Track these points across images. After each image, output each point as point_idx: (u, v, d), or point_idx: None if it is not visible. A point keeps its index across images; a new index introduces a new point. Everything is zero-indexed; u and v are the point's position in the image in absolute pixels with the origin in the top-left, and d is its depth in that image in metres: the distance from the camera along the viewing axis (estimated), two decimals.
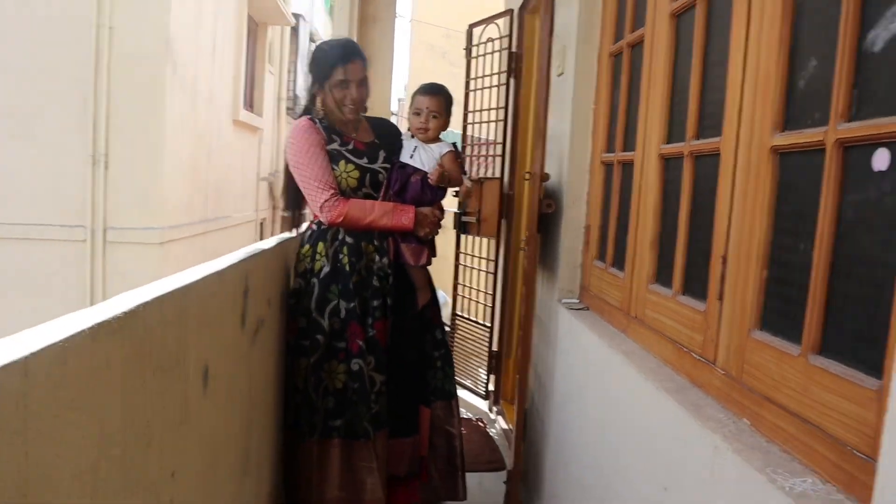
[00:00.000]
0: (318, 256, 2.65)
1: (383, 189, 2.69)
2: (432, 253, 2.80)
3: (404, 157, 2.74)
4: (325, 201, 2.55)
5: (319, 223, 2.68)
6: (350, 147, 2.66)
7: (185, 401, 1.61)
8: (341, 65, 2.59)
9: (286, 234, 2.86)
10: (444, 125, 2.78)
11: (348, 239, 2.64)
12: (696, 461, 1.41)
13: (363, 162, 2.65)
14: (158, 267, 7.58)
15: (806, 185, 1.27)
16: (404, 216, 2.62)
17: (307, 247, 2.69)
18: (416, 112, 2.79)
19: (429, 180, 2.68)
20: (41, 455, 0.96)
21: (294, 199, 2.80)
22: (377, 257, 2.67)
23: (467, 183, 2.92)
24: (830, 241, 1.18)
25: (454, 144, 2.83)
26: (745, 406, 1.40)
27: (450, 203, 4.81)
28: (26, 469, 0.92)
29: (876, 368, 1.06)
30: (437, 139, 2.79)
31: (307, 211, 2.85)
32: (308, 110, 2.69)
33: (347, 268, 2.62)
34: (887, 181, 1.07)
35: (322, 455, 2.61)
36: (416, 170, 2.72)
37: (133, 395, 1.29)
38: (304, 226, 2.88)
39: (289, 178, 2.73)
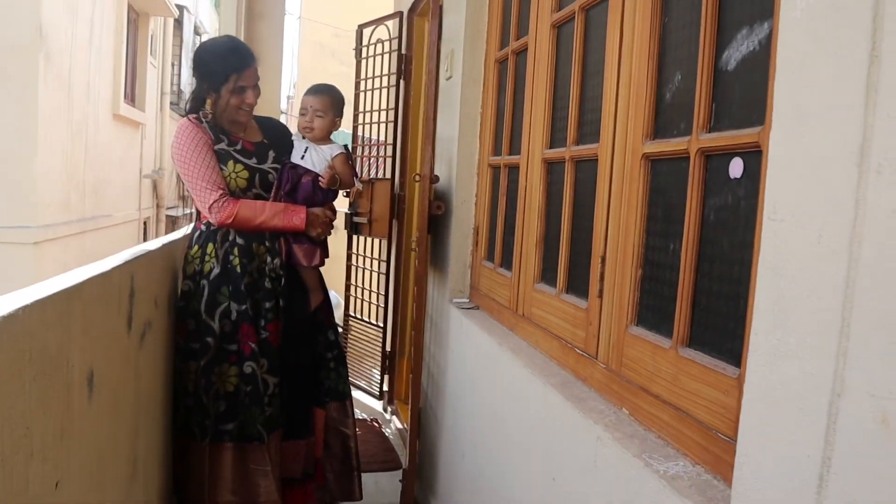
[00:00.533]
0: (207, 258, 2.60)
1: (274, 189, 2.67)
2: (325, 254, 2.80)
3: (295, 158, 2.72)
4: (214, 202, 2.50)
5: (208, 224, 2.63)
6: (238, 147, 2.62)
7: (68, 407, 1.56)
8: (237, 72, 2.55)
9: (172, 235, 2.79)
10: (332, 125, 2.77)
11: (239, 240, 2.60)
12: (581, 451, 1.49)
13: (252, 162, 2.62)
14: (34, 268, 7.16)
15: (674, 190, 1.38)
16: (296, 216, 2.60)
17: (196, 248, 2.63)
18: (301, 112, 2.78)
19: (320, 183, 2.67)
20: None
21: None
22: (269, 258, 2.65)
23: (358, 185, 2.93)
24: (696, 242, 1.28)
25: (345, 146, 2.83)
26: (624, 397, 1.50)
27: (341, 204, 4.81)
28: None
29: (736, 357, 1.17)
30: (327, 140, 2.78)
31: (192, 210, 2.79)
32: (195, 110, 2.62)
33: (238, 269, 2.59)
34: (742, 187, 1.18)
35: (214, 459, 2.56)
36: (306, 171, 2.70)
37: (12, 402, 1.25)
38: (191, 226, 2.81)
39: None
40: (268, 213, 2.57)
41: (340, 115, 2.81)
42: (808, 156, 0.89)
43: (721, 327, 1.22)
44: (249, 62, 2.60)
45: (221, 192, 2.53)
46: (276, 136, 2.80)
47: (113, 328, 1.93)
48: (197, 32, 14.87)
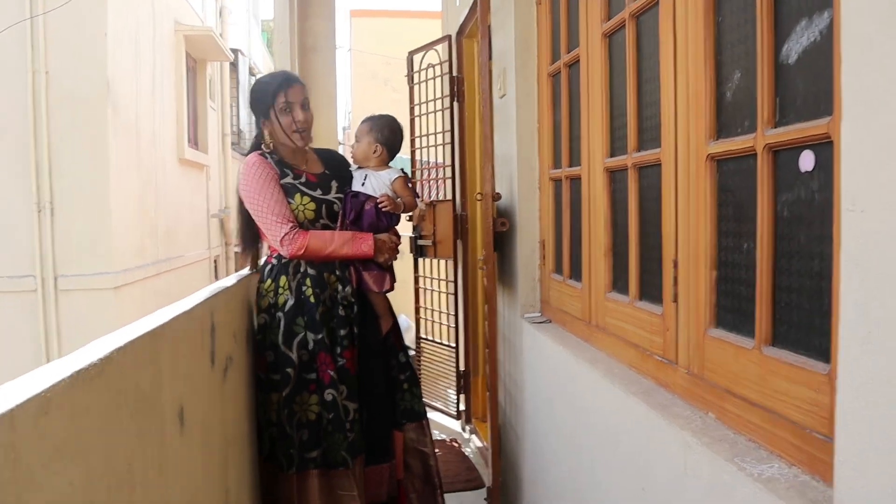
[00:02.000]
0: (280, 290, 2.66)
1: (340, 219, 2.72)
2: (393, 279, 2.84)
3: (356, 186, 2.78)
4: (285, 235, 2.57)
5: (279, 257, 2.70)
6: (303, 180, 2.69)
7: (162, 442, 1.62)
8: (282, 90, 2.63)
9: (244, 271, 2.87)
10: (368, 148, 2.83)
11: (310, 270, 2.66)
12: (669, 459, 1.47)
13: (317, 193, 2.68)
14: (114, 312, 7.45)
15: (743, 189, 1.36)
16: (364, 244, 2.65)
17: (269, 282, 2.70)
18: (356, 141, 2.87)
19: (381, 207, 2.72)
20: None
21: (250, 235, 2.81)
22: (340, 287, 2.70)
23: (420, 206, 2.97)
24: (770, 239, 1.26)
25: (402, 170, 2.88)
26: (710, 401, 1.48)
27: (405, 228, 4.87)
28: None
29: (824, 353, 1.14)
30: (384, 166, 2.83)
31: (265, 246, 2.86)
32: (257, 146, 2.71)
33: (312, 299, 2.64)
34: (814, 180, 1.16)
35: (301, 487, 2.61)
36: (368, 197, 2.76)
37: (113, 440, 1.31)
38: (262, 261, 2.89)
39: (244, 215, 2.74)
40: (337, 242, 2.62)
41: (381, 140, 2.82)
42: (882, 142, 0.87)
43: (805, 324, 1.20)
44: (292, 82, 2.68)
45: (291, 224, 2.59)
46: (336, 167, 2.86)
47: (198, 364, 2.00)
48: (252, 73, 15.32)
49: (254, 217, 2.65)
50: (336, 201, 2.72)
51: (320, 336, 2.62)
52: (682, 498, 1.42)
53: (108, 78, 7.52)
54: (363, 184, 2.78)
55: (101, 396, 1.25)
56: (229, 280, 2.59)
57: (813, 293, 1.17)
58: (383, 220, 2.74)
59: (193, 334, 1.96)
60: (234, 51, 13.63)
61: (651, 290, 1.79)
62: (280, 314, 2.64)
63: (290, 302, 2.64)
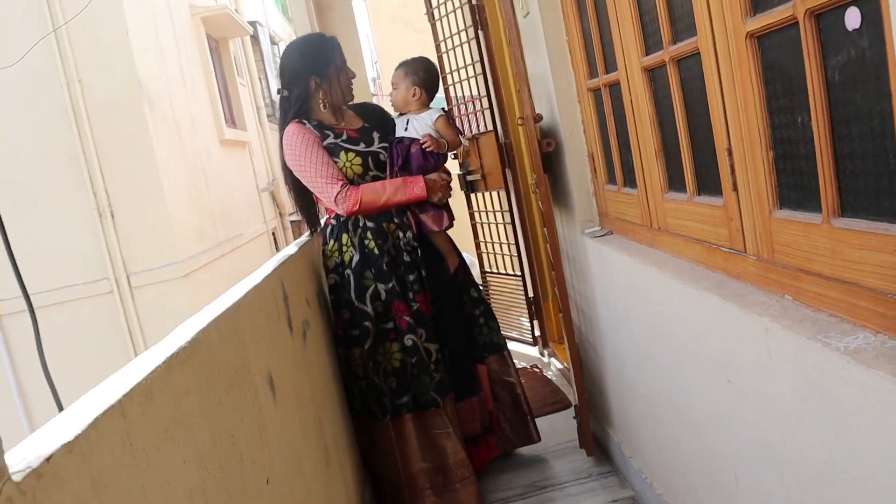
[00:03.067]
0: (344, 248, 2.72)
1: (388, 167, 2.75)
2: (451, 217, 2.86)
3: (399, 132, 2.80)
4: (338, 194, 2.61)
5: (337, 216, 2.74)
6: (344, 137, 2.71)
7: (259, 411, 1.69)
8: (337, 50, 2.69)
9: (304, 237, 2.92)
10: (408, 93, 2.86)
11: (369, 223, 2.70)
12: (752, 347, 1.47)
13: (361, 147, 2.70)
14: (187, 298, 7.71)
15: (789, 61, 1.31)
16: (416, 186, 2.68)
17: (332, 242, 2.75)
18: (393, 88, 2.89)
19: (425, 147, 2.73)
20: (155, 484, 1.04)
21: (304, 201, 2.85)
22: (401, 233, 2.74)
23: (464, 142, 2.97)
24: (825, 108, 1.22)
25: (443, 109, 2.87)
26: (784, 283, 1.46)
27: (452, 166, 4.85)
28: (145, 499, 1.00)
29: None
30: (423, 108, 2.84)
31: (321, 209, 2.91)
32: (300, 112, 2.71)
33: (376, 251, 2.69)
34: (864, 37, 1.11)
35: (399, 433, 2.70)
36: (413, 140, 2.77)
37: (215, 415, 1.37)
38: (322, 223, 2.94)
39: (294, 183, 2.78)
40: (389, 190, 2.65)
41: (421, 84, 2.84)
42: None
43: (873, 188, 1.16)
44: (337, 44, 2.75)
45: (342, 182, 2.62)
46: (375, 118, 2.88)
47: (278, 332, 2.06)
48: (273, 42, 15.27)
49: (305, 184, 2.69)
50: (381, 151, 2.74)
51: (391, 285, 2.67)
52: (769, 384, 1.41)
53: (139, 74, 7.63)
54: (406, 129, 2.80)
55: (196, 376, 1.31)
56: (291, 248, 2.64)
57: (878, 155, 1.13)
58: (431, 161, 2.76)
59: (268, 305, 2.02)
60: (252, 23, 13.58)
61: (708, 182, 1.76)
62: (348, 271, 2.70)
63: (356, 258, 2.69)
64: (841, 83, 1.18)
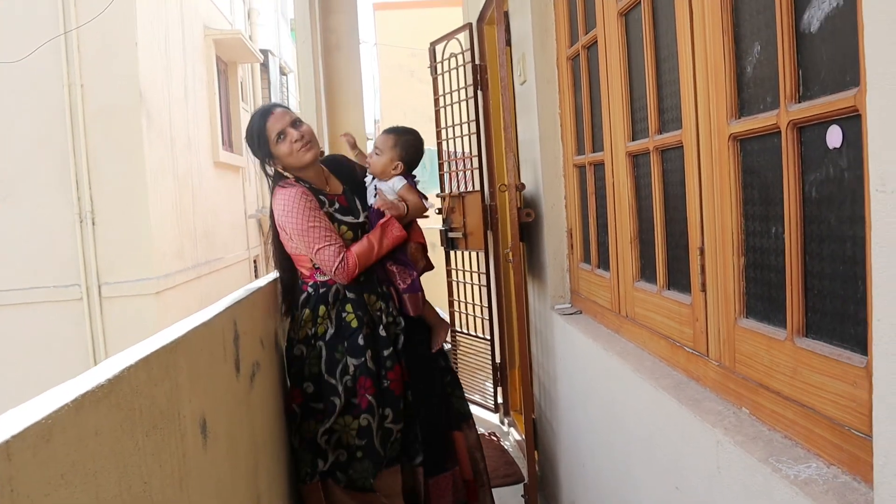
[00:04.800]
0: (320, 320, 2.61)
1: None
2: (428, 266, 2.80)
3: (370, 201, 2.74)
4: (338, 260, 2.50)
5: (315, 286, 2.63)
6: (337, 206, 2.65)
7: (183, 456, 1.59)
8: (265, 125, 2.58)
9: (270, 276, 2.83)
10: (388, 163, 2.74)
11: (349, 294, 2.61)
12: (703, 457, 1.40)
13: (350, 219, 2.64)
14: (156, 316, 7.57)
15: (768, 169, 1.28)
16: (392, 227, 2.60)
17: (307, 312, 2.63)
18: (376, 152, 2.80)
19: (378, 208, 2.66)
20: None
21: (289, 278, 2.75)
22: (382, 304, 2.66)
23: (429, 205, 2.87)
24: (799, 223, 1.18)
25: (411, 175, 2.80)
26: (743, 395, 1.40)
27: (435, 221, 4.82)
28: None
29: (861, 344, 1.06)
30: (390, 175, 2.76)
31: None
32: (280, 178, 2.64)
33: (354, 324, 2.59)
34: (843, 157, 1.07)
35: (328, 494, 2.59)
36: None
37: (127, 459, 1.28)
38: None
39: (281, 254, 2.70)
40: (375, 240, 2.58)
41: (404, 160, 2.75)
42: None
43: (840, 312, 1.11)
44: (271, 109, 2.62)
45: (339, 245, 2.54)
46: (347, 177, 2.82)
47: (221, 373, 1.97)
48: (283, 73, 15.41)
49: (301, 245, 2.57)
50: (366, 220, 2.69)
51: (361, 360, 2.57)
52: (716, 499, 1.34)
53: (141, 87, 7.62)
54: (375, 195, 2.74)
55: (110, 417, 1.23)
56: (253, 285, 2.56)
57: (847, 279, 1.09)
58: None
59: (214, 344, 1.94)
60: (264, 51, 13.72)
61: (679, 278, 1.71)
62: (321, 343, 2.60)
63: (331, 331, 2.60)
64: (817, 200, 1.14)
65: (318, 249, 2.52)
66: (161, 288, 7.80)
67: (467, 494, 2.87)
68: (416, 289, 2.71)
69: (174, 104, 8.67)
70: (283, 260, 2.69)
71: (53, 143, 7.45)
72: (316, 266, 2.61)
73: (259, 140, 2.59)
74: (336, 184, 2.75)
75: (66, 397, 1.10)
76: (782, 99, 1.19)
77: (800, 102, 1.16)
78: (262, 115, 2.61)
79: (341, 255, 2.52)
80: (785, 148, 1.19)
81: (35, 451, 0.98)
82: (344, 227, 2.60)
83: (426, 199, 2.78)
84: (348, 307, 2.60)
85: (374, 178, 2.78)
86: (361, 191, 2.78)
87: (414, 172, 2.85)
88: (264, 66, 13.97)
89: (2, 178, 7.40)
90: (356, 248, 2.55)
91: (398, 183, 2.71)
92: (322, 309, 2.60)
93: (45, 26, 7.33)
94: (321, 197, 2.61)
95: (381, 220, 2.62)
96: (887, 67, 0.83)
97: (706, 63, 1.45)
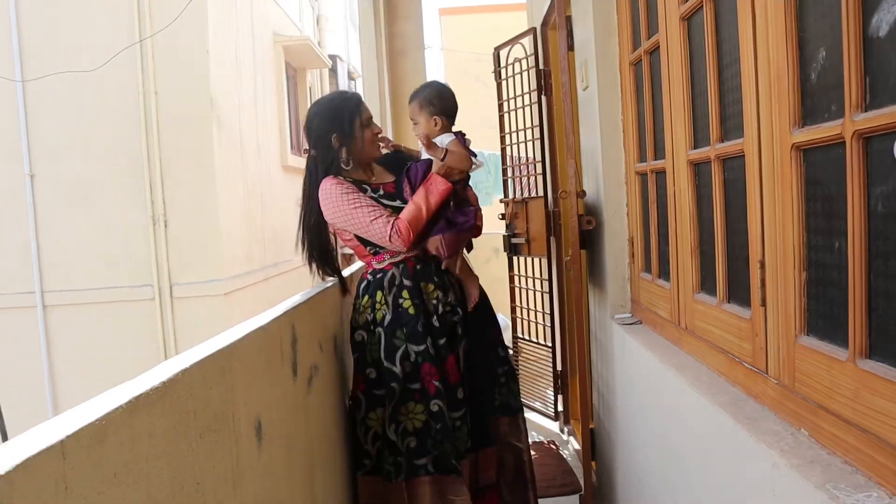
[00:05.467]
0: (378, 305, 2.64)
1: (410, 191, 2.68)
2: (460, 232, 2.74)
3: (423, 157, 2.72)
4: (391, 230, 2.52)
5: (374, 272, 2.67)
6: (381, 192, 2.66)
7: (237, 458, 1.62)
8: (360, 107, 2.63)
9: (329, 281, 2.85)
10: (430, 125, 2.70)
11: (406, 282, 2.62)
12: (757, 478, 1.35)
13: (398, 204, 2.65)
14: (225, 317, 7.77)
15: (832, 181, 1.22)
16: (436, 182, 2.57)
17: (365, 298, 2.67)
18: (414, 124, 2.79)
19: (435, 171, 2.60)
20: None
21: (321, 251, 2.78)
22: (440, 294, 2.67)
23: (476, 163, 2.78)
24: (863, 238, 1.12)
25: (460, 132, 2.73)
26: (802, 416, 1.34)
27: (499, 226, 4.80)
28: None
29: None
30: (437, 134, 2.69)
31: (349, 261, 2.86)
32: (329, 171, 2.66)
33: (411, 311, 2.60)
34: None
35: (413, 495, 2.59)
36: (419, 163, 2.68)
37: (180, 461, 1.31)
38: (351, 271, 2.89)
39: (312, 234, 2.73)
40: (420, 201, 2.56)
41: (439, 111, 2.71)
42: None
43: None
44: (362, 100, 2.69)
45: (387, 215, 2.55)
46: (399, 165, 2.83)
47: (278, 376, 2.00)
48: (351, 77, 15.62)
49: (351, 229, 2.60)
50: None
51: (423, 347, 2.58)
52: None
53: (212, 94, 7.84)
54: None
55: (164, 419, 1.26)
56: (311, 290, 2.60)
57: None
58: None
59: (271, 348, 1.97)
60: (332, 57, 13.93)
61: (739, 291, 1.66)
62: (380, 329, 2.62)
63: (389, 316, 2.61)
64: (883, 215, 1.09)
65: (369, 223, 2.53)
66: (230, 289, 8.00)
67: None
68: (463, 227, 2.64)
69: (244, 110, 8.89)
70: (314, 244, 2.72)
71: (129, 148, 7.74)
72: (372, 251, 2.63)
73: (348, 116, 2.62)
74: (384, 174, 2.77)
75: (120, 399, 1.13)
76: (847, 108, 1.13)
77: (866, 111, 1.10)
78: (355, 101, 2.66)
79: (391, 223, 2.53)
80: (850, 159, 1.13)
81: (89, 451, 1.01)
82: (390, 210, 2.60)
83: (475, 155, 2.70)
84: (405, 293, 2.61)
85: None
86: None
87: (479, 171, 2.80)
88: (332, 72, 14.19)
89: (80, 182, 7.72)
90: (403, 214, 2.55)
91: (447, 138, 2.66)
92: (379, 294, 2.62)
93: (120, 36, 7.61)
94: (363, 185, 2.64)
95: (425, 183, 2.59)
96: None
97: (769, 69, 1.40)
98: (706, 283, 1.89)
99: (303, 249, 2.77)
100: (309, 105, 11.52)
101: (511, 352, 4.56)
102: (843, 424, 1.19)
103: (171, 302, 7.88)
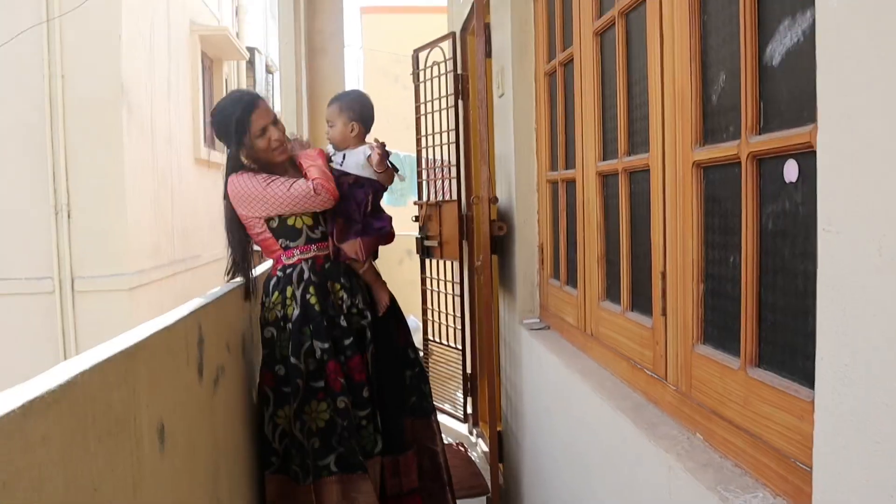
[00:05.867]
0: (287, 302, 2.62)
1: (360, 213, 2.68)
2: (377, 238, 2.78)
3: (335, 166, 2.72)
4: (313, 185, 2.51)
5: (283, 268, 2.64)
6: None
7: (138, 462, 1.57)
8: (249, 115, 2.57)
9: (237, 280, 2.79)
10: (346, 129, 2.76)
11: (313, 278, 2.61)
12: (654, 481, 1.41)
13: None
14: (129, 313, 7.48)
15: (728, 198, 1.29)
16: (315, 155, 2.65)
17: (276, 294, 2.64)
18: (329, 126, 2.81)
19: (370, 161, 2.65)
20: None
21: (242, 250, 2.74)
22: (345, 295, 2.66)
23: (398, 177, 2.83)
24: (755, 253, 1.19)
25: (382, 143, 2.77)
26: (697, 421, 1.41)
27: (412, 228, 4.81)
28: None
29: (809, 378, 1.06)
30: (358, 144, 2.77)
31: (260, 261, 2.81)
32: (236, 169, 2.63)
33: (317, 307, 2.60)
34: (798, 192, 1.08)
35: (319, 495, 2.57)
36: (345, 175, 2.70)
37: (76, 466, 1.26)
38: (259, 271, 2.84)
39: (234, 231, 2.69)
40: (312, 161, 2.60)
41: (358, 118, 2.76)
42: (859, 158, 0.80)
43: (790, 345, 1.12)
44: (257, 102, 2.62)
45: (303, 179, 2.55)
46: None
47: (182, 378, 1.95)
48: (269, 71, 15.33)
49: (277, 206, 2.56)
50: None
51: (328, 345, 2.57)
52: None
53: (123, 80, 7.54)
54: (341, 164, 2.72)
55: (60, 423, 1.21)
56: (220, 290, 2.54)
57: (798, 313, 1.10)
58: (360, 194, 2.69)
59: (177, 349, 1.92)
60: (251, 49, 13.64)
61: (642, 300, 1.72)
62: (289, 325, 2.60)
63: (297, 312, 2.60)
64: (773, 232, 1.15)
65: (288, 189, 2.52)
66: (135, 284, 7.71)
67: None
68: (380, 232, 2.70)
69: (156, 99, 8.60)
70: (238, 242, 2.68)
71: (31, 133, 7.35)
72: (283, 246, 2.61)
73: (238, 128, 2.57)
74: (295, 172, 2.74)
75: (12, 403, 1.08)
76: (744, 130, 1.20)
77: (760, 134, 1.17)
78: (247, 106, 2.59)
79: (310, 181, 2.52)
80: (744, 179, 1.20)
81: None
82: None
83: (397, 170, 2.75)
84: (311, 289, 2.60)
85: (337, 153, 2.76)
86: None
87: (392, 164, 2.81)
88: (250, 64, 13.89)
89: None
90: (311, 174, 2.57)
91: (367, 150, 2.69)
92: (289, 290, 2.61)
93: (26, 13, 7.24)
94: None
95: (308, 153, 2.67)
96: (838, 107, 0.84)
97: (674, 88, 1.46)
98: (611, 291, 1.95)
99: (231, 252, 2.73)
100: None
101: (421, 353, 4.58)
102: (734, 429, 1.25)
103: (71, 296, 7.52)
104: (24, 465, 1.09)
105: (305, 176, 2.62)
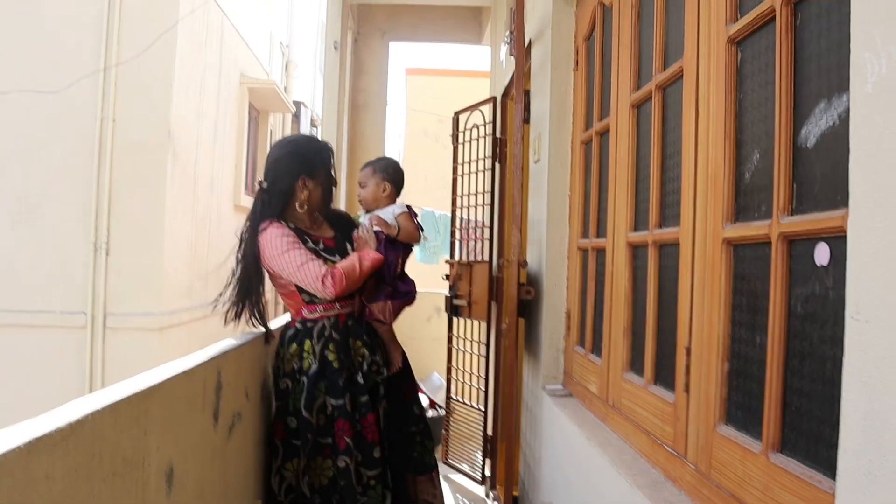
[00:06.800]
0: (305, 355, 2.61)
1: (388, 276, 2.73)
2: (403, 301, 2.81)
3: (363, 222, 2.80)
4: (325, 275, 2.51)
5: (303, 321, 2.63)
6: (322, 246, 2.65)
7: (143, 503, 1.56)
8: (331, 160, 2.68)
9: (259, 329, 2.79)
10: (378, 190, 2.86)
11: (335, 335, 2.61)
12: None
13: (337, 259, 2.64)
14: (159, 353, 7.53)
15: (758, 278, 1.26)
16: (369, 252, 2.65)
17: (293, 346, 2.63)
18: (361, 188, 2.91)
19: (372, 225, 2.73)
20: None
21: (253, 295, 2.75)
22: (366, 352, 2.65)
23: (423, 237, 2.92)
24: (783, 336, 1.16)
25: (408, 206, 2.86)
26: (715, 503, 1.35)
27: (442, 286, 4.81)
28: None
29: (833, 469, 1.02)
30: (388, 204, 2.86)
31: (277, 310, 2.82)
32: (277, 210, 2.64)
33: (336, 364, 2.59)
34: (829, 276, 1.05)
35: None
36: (386, 237, 2.76)
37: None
38: (278, 323, 2.84)
39: (247, 274, 2.70)
40: (356, 260, 2.60)
41: (389, 179, 2.86)
42: (891, 247, 0.78)
43: (814, 433, 1.08)
44: (332, 151, 2.74)
45: (321, 263, 2.55)
46: (345, 226, 2.85)
47: (196, 423, 1.94)
48: (313, 125, 15.67)
49: (286, 274, 2.58)
50: None
51: (341, 402, 2.55)
52: None
53: (171, 125, 7.77)
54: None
55: (66, 461, 1.20)
56: (245, 336, 2.55)
57: (824, 400, 1.06)
58: (390, 255, 2.74)
59: (193, 393, 1.92)
60: (297, 103, 13.98)
61: (665, 375, 1.68)
62: (304, 378, 2.58)
63: (314, 367, 2.58)
64: (801, 315, 1.12)
65: (301, 265, 2.51)
66: (166, 324, 7.78)
67: None
68: (406, 297, 2.76)
69: (202, 145, 8.82)
70: (248, 285, 2.70)
71: (79, 171, 7.57)
72: (307, 300, 2.60)
73: (322, 165, 2.64)
74: (327, 230, 2.77)
75: (19, 439, 1.08)
76: (775, 210, 1.18)
77: (792, 215, 1.15)
78: (329, 150, 2.71)
79: (325, 269, 2.52)
80: (775, 259, 1.17)
81: None
82: (330, 265, 2.59)
83: (422, 229, 2.83)
84: (331, 346, 2.59)
85: (366, 212, 2.84)
86: (351, 236, 2.81)
87: (426, 234, 2.89)
88: (296, 117, 14.22)
89: (25, 200, 7.52)
90: (341, 264, 2.57)
91: (397, 209, 2.78)
92: (308, 343, 2.60)
93: (85, 58, 7.54)
94: (304, 236, 2.63)
95: (358, 252, 2.68)
96: (870, 193, 0.82)
97: (707, 164, 1.45)
98: (635, 363, 1.91)
99: (233, 288, 2.74)
100: (269, 147, 11.53)
101: (443, 411, 4.52)
102: None
103: (103, 332, 7.62)
104: (25, 501, 1.08)
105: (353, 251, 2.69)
